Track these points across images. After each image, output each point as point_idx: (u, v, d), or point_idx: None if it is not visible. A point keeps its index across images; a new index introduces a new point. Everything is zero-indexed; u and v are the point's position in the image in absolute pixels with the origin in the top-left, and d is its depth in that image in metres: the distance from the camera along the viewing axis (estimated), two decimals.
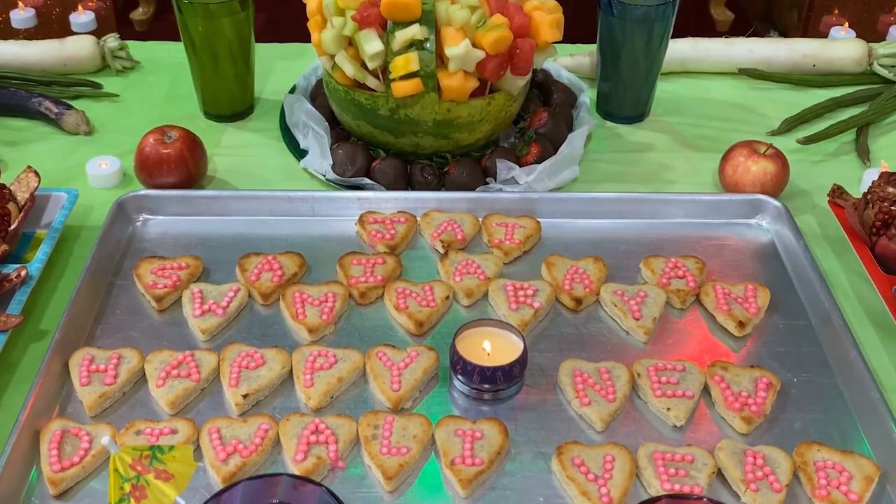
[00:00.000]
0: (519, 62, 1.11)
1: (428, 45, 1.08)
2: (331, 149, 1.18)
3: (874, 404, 0.88)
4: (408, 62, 1.07)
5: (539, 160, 1.17)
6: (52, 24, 1.95)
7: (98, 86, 1.38)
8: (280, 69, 1.44)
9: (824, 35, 1.62)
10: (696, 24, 2.45)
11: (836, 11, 2.15)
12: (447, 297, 1.00)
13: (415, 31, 1.07)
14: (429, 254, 1.08)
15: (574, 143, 1.20)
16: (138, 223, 1.11)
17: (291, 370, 0.92)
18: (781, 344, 0.97)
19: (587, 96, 1.30)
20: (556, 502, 0.82)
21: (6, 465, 0.80)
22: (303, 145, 1.24)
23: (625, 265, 1.06)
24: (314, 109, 1.23)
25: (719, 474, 0.84)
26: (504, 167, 1.15)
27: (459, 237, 1.08)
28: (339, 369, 0.91)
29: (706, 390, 0.91)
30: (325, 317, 0.97)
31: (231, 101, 1.32)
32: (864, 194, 1.08)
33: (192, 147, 1.15)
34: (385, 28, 1.09)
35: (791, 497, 0.82)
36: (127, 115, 1.34)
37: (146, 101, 1.38)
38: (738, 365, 0.93)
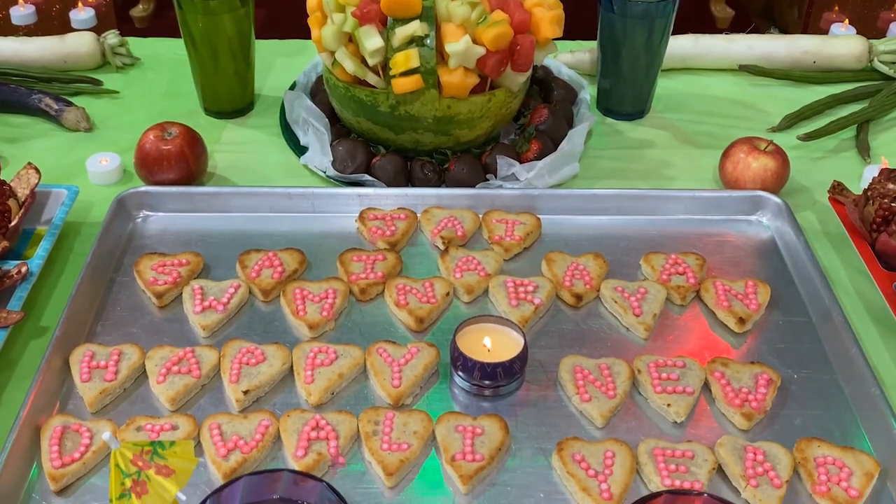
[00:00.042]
0: (519, 59, 1.11)
1: (428, 41, 1.08)
2: (331, 145, 1.18)
3: (874, 401, 0.88)
4: (408, 59, 1.07)
5: (539, 157, 1.17)
6: (52, 21, 1.95)
7: (98, 82, 1.38)
8: (280, 66, 1.44)
9: (825, 32, 1.62)
10: (697, 21, 2.45)
11: (837, 8, 2.15)
12: (447, 294, 1.00)
13: (415, 28, 1.07)
14: (429, 250, 1.08)
15: (574, 139, 1.20)
16: (138, 220, 1.11)
17: (292, 366, 0.92)
18: (782, 340, 0.97)
19: (587, 93, 1.30)
20: (557, 498, 0.82)
21: (7, 462, 0.80)
22: (303, 142, 1.24)
23: (625, 262, 1.06)
24: (314, 106, 1.23)
25: (719, 470, 0.84)
26: (504, 164, 1.15)
27: (460, 234, 1.08)
28: (340, 366, 0.91)
29: (706, 386, 0.91)
30: (325, 313, 0.97)
31: (231, 98, 1.32)
32: (865, 191, 1.08)
33: (193, 143, 1.15)
34: (385, 24, 1.09)
35: (791, 493, 0.82)
36: (127, 111, 1.34)
37: (146, 97, 1.38)
38: (739, 361, 0.93)
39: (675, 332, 0.98)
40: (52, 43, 1.40)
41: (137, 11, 2.41)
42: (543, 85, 1.31)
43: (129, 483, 0.68)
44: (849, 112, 1.33)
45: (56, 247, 1.06)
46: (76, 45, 1.40)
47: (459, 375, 0.91)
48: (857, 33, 1.51)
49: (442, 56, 1.10)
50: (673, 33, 1.28)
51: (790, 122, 1.32)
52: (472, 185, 1.15)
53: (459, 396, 0.91)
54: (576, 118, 1.27)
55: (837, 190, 1.12)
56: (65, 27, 1.67)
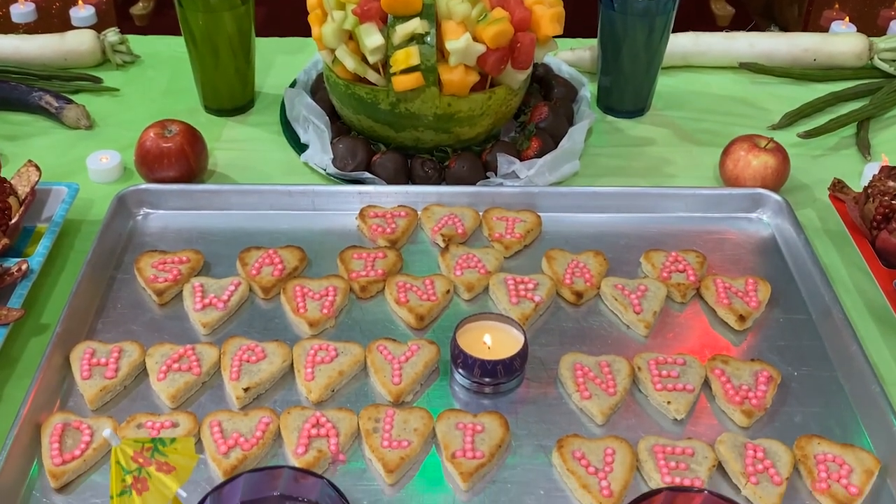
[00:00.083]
0: (519, 56, 1.11)
1: (428, 39, 1.08)
2: (331, 143, 1.18)
3: (874, 398, 0.88)
4: (408, 56, 1.07)
5: (539, 154, 1.17)
6: (52, 19, 1.95)
7: (98, 80, 1.38)
8: (280, 63, 1.44)
9: (825, 29, 1.62)
10: (697, 19, 2.45)
11: (837, 6, 2.15)
12: (448, 291, 1.00)
13: (415, 25, 1.07)
14: (429, 248, 1.08)
15: (574, 137, 1.20)
16: (139, 217, 1.11)
17: (292, 364, 0.92)
18: (782, 338, 0.97)
19: (588, 90, 1.30)
20: (557, 495, 0.82)
21: (7, 459, 0.80)
22: (303, 139, 1.24)
23: (625, 259, 1.06)
24: (315, 104, 1.23)
25: (720, 467, 0.84)
26: (505, 161, 1.15)
27: (460, 231, 1.08)
28: (340, 363, 0.91)
29: (706, 384, 0.91)
30: (325, 310, 0.97)
31: (231, 96, 1.32)
32: (865, 188, 1.08)
33: (193, 141, 1.15)
34: (385, 22, 1.09)
35: (791, 490, 0.82)
36: (127, 109, 1.34)
37: (146, 95, 1.38)
38: (739, 358, 0.93)
39: (675, 329, 0.98)
40: (52, 41, 1.40)
41: (137, 9, 2.40)
42: (544, 82, 1.31)
43: (129, 480, 0.68)
44: (849, 110, 1.33)
45: (56, 244, 1.06)
46: (76, 42, 1.40)
47: (460, 373, 0.91)
48: (858, 31, 1.51)
49: (442, 54, 1.10)
50: (673, 31, 1.28)
51: (790, 119, 1.32)
52: (473, 183, 1.15)
53: (460, 394, 0.91)
54: (576, 116, 1.27)
55: (838, 187, 1.12)
56: (65, 25, 1.67)
